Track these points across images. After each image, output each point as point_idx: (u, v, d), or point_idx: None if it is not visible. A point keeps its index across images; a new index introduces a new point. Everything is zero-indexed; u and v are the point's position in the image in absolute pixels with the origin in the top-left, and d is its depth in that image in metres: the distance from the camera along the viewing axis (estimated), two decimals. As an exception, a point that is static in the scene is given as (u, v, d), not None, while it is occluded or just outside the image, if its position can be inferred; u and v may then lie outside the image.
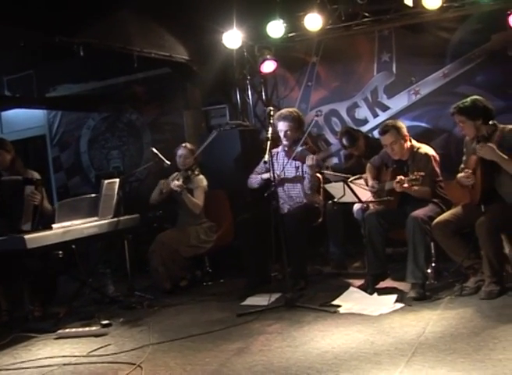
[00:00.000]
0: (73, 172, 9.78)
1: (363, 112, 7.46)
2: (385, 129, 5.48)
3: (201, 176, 6.60)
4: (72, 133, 9.76)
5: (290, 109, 6.24)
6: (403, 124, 5.58)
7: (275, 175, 5.72)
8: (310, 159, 5.89)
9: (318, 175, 6.23)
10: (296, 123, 6.12)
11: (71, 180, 9.80)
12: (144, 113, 9.02)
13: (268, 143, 5.31)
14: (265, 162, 5.41)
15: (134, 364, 4.12)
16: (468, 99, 5.06)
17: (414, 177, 5.00)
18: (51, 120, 9.96)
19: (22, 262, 5.64)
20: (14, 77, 9.74)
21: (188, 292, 6.28)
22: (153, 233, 6.85)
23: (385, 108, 7.30)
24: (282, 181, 6.17)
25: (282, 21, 6.91)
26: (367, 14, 6.78)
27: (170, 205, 6.98)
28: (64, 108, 9.67)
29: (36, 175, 6.23)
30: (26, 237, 5.04)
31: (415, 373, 3.41)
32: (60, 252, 5.44)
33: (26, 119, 10.06)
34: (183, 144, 6.68)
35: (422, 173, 5.00)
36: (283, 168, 6.18)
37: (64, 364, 4.34)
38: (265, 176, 6.20)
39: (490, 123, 4.86)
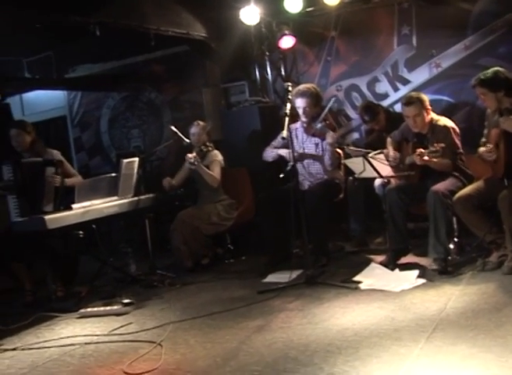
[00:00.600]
0: (94, 152, 9.83)
1: (383, 86, 7.34)
2: (410, 100, 5.39)
3: (216, 151, 6.59)
4: (93, 113, 9.80)
5: (308, 85, 6.16)
6: (426, 97, 5.48)
7: (295, 151, 5.71)
8: (330, 137, 5.87)
9: (339, 150, 6.18)
10: (314, 99, 6.05)
11: (92, 160, 9.85)
12: (164, 92, 9.01)
13: (286, 119, 5.26)
14: (284, 138, 5.36)
15: (155, 342, 4.15)
16: (489, 71, 4.95)
17: (434, 149, 4.92)
18: (71, 101, 10.00)
19: (44, 242, 5.69)
20: (33, 59, 9.74)
21: (209, 270, 6.29)
22: (174, 211, 6.85)
23: (405, 81, 7.18)
24: (302, 157, 6.12)
25: (300, -5, 6.83)
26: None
27: (191, 183, 6.99)
28: (83, 88, 9.69)
29: (56, 154, 6.25)
30: (47, 217, 5.09)
31: (436, 349, 3.38)
32: (81, 232, 5.48)
33: (46, 100, 10.10)
34: (195, 122, 6.68)
35: (442, 145, 4.92)
36: (302, 144, 6.14)
37: (85, 343, 4.37)
38: (282, 152, 6.16)
39: (515, 94, 4.76)
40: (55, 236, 5.58)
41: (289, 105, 5.38)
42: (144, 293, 5.61)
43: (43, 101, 10.13)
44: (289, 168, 5.88)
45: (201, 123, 6.63)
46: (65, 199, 5.88)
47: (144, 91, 9.19)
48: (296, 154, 5.72)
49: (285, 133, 5.22)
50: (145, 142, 9.26)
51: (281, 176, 5.86)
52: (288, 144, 5.51)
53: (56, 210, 5.63)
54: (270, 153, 6.32)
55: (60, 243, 5.86)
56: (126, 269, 6.26)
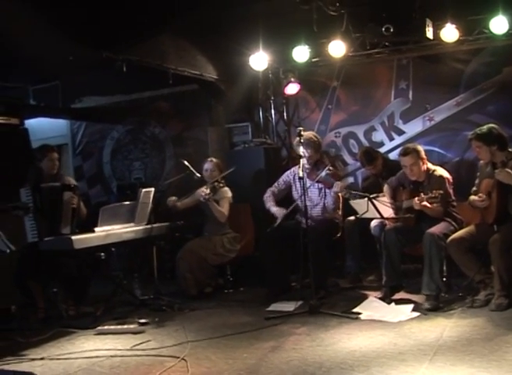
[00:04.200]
0: (95, 181, 10.15)
1: (379, 135, 7.95)
2: (406, 151, 5.93)
3: (226, 188, 7.01)
4: (96, 143, 10.15)
5: (309, 135, 6.54)
6: (422, 148, 6.02)
7: (297, 193, 6.46)
8: (337, 186, 6.29)
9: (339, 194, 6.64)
10: (317, 147, 6.58)
11: (92, 189, 10.16)
12: (168, 128, 9.43)
13: (301, 160, 5.76)
14: (301, 178, 5.83)
15: (178, 357, 4.51)
16: (485, 127, 5.54)
17: (433, 195, 5.44)
18: (75, 130, 10.33)
19: (61, 263, 6.04)
20: (40, 87, 10.08)
21: (212, 298, 6.68)
22: (175, 242, 7.25)
23: (400, 132, 7.78)
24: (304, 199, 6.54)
25: (307, 47, 7.37)
26: (387, 43, 7.24)
27: (192, 215, 7.39)
28: (89, 119, 10.06)
29: (72, 181, 6.68)
30: (74, 238, 5.49)
31: (439, 368, 3.84)
32: (102, 254, 5.85)
33: (48, 128, 10.35)
34: (209, 159, 7.12)
35: (441, 192, 5.44)
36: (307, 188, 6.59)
37: (111, 356, 4.72)
38: (273, 209, 6.64)
39: (510, 150, 5.30)
40: (71, 257, 5.96)
41: (301, 148, 5.88)
42: (154, 316, 5.92)
43: (45, 128, 10.38)
44: (275, 226, 6.34)
45: (215, 159, 7.08)
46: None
47: (148, 125, 9.62)
48: (299, 195, 6.33)
49: (301, 173, 5.70)
50: (146, 175, 9.64)
51: (268, 230, 6.32)
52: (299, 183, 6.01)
53: (73, 233, 6.03)
54: (267, 203, 6.76)
55: (74, 264, 6.20)
56: (135, 293, 6.61)
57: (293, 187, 6.73)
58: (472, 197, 5.67)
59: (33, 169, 6.46)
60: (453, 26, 6.63)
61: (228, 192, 6.99)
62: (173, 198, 7.00)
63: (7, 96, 8.41)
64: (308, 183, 6.42)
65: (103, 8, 5.91)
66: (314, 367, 4.08)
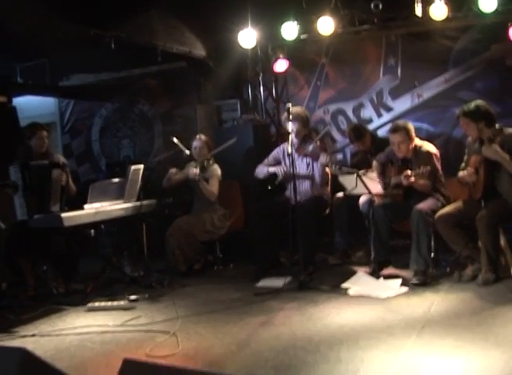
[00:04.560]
0: (83, 159, 10.14)
1: (368, 111, 7.96)
2: (396, 128, 5.94)
3: (216, 166, 7.01)
4: (84, 121, 10.14)
5: (298, 110, 6.58)
6: (412, 126, 6.03)
7: (286, 169, 6.44)
8: (323, 157, 6.35)
9: (327, 169, 6.68)
10: (305, 122, 6.60)
11: (81, 167, 10.15)
12: (156, 105, 9.41)
13: (290, 137, 5.78)
14: (289, 155, 5.86)
15: (168, 332, 4.56)
16: (472, 103, 5.55)
17: (420, 171, 5.48)
18: (63, 108, 10.31)
19: (50, 240, 6.06)
20: (27, 65, 10.01)
21: (202, 275, 6.72)
22: (164, 220, 7.26)
23: (389, 109, 7.80)
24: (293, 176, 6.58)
25: (295, 23, 7.33)
26: (376, 20, 7.21)
27: (181, 192, 7.40)
28: (77, 97, 10.02)
29: (62, 158, 6.67)
30: (63, 215, 5.48)
31: (427, 341, 3.92)
32: (92, 231, 5.87)
33: (37, 106, 10.29)
34: (198, 136, 7.08)
35: (428, 168, 5.48)
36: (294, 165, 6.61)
37: (102, 332, 4.76)
38: (272, 169, 6.66)
39: (497, 126, 5.34)
40: (61, 234, 5.98)
41: (290, 124, 5.89)
42: (144, 292, 5.94)
43: (33, 106, 10.31)
44: (277, 182, 6.40)
45: (203, 137, 7.05)
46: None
47: (137, 103, 9.59)
48: (288, 171, 6.26)
49: (289, 149, 5.72)
50: (135, 152, 9.65)
51: (269, 188, 6.36)
52: (288, 159, 6.00)
53: (62, 210, 6.02)
54: (261, 170, 6.81)
55: (64, 241, 6.22)
56: (125, 270, 6.64)
57: (282, 163, 6.75)
58: (460, 172, 5.71)
59: (22, 147, 6.45)
60: (442, 1, 6.60)
61: (217, 170, 6.99)
62: (174, 170, 6.99)
63: (-6, 74, 8.35)
64: (297, 158, 6.47)
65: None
66: (303, 341, 4.13)
